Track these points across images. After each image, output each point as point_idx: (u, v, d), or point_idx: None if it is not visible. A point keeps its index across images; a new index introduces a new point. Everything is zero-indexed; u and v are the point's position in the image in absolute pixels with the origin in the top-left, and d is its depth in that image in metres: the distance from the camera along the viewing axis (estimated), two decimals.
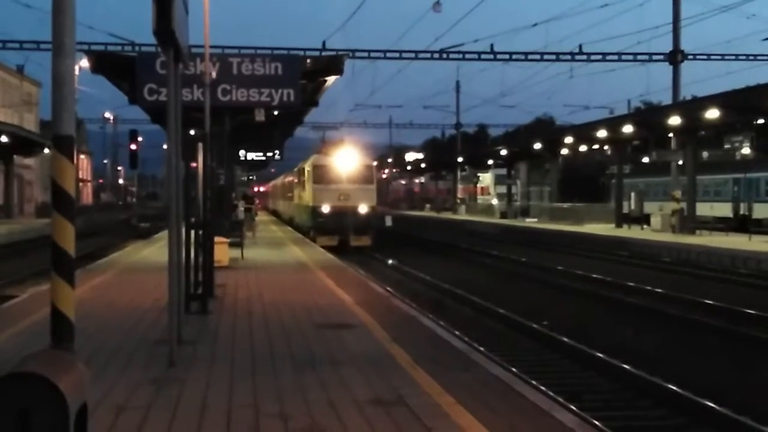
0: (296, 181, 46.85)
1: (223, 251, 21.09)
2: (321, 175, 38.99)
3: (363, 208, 38.20)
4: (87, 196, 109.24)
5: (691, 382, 11.67)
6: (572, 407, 9.76)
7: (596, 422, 9.45)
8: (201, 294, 14.10)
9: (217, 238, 18.28)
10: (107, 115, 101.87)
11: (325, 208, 38.03)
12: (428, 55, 50.09)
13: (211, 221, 15.62)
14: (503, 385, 8.68)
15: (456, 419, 7.24)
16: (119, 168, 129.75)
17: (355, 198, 38.28)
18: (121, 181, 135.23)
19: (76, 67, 68.20)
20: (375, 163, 41.90)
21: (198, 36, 19.89)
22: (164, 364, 9.39)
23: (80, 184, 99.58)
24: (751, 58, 53.92)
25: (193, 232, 13.82)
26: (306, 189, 40.89)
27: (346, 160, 39.16)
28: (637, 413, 10.63)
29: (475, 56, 50.35)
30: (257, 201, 58.20)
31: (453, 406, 7.69)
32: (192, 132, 19.05)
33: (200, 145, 14.98)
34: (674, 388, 11.13)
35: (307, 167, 40.73)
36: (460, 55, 50.56)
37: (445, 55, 49.97)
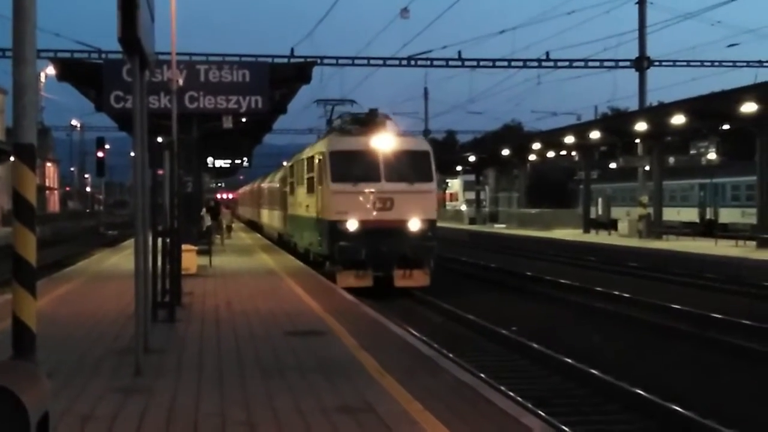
0: (294, 180, 30.51)
1: (190, 259, 21.02)
2: (344, 169, 23.40)
3: (415, 224, 23.05)
4: (54, 204, 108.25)
5: (658, 386, 11.74)
6: (540, 412, 9.81)
7: (564, 427, 9.50)
8: (168, 302, 14.03)
9: (184, 246, 18.21)
10: (74, 122, 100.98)
11: (351, 224, 22.92)
12: (396, 61, 50.10)
13: (179, 229, 15.54)
14: (472, 391, 8.69)
15: (424, 426, 7.24)
16: (86, 175, 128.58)
17: (404, 207, 23.11)
18: (88, 189, 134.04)
19: (43, 75, 67.78)
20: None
21: (165, 43, 19.85)
22: (131, 373, 9.33)
23: (47, 191, 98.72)
24: (716, 64, 54.43)
25: (160, 240, 13.76)
26: (317, 192, 24.74)
27: (386, 142, 23.69)
28: (605, 417, 10.68)
29: (443, 63, 50.46)
30: (224, 209, 52.64)
31: (421, 413, 7.69)
32: (159, 139, 18.97)
33: (167, 152, 14.90)
34: (641, 392, 11.19)
35: (319, 155, 24.61)
36: (428, 62, 50.65)
37: (413, 62, 50.01)
